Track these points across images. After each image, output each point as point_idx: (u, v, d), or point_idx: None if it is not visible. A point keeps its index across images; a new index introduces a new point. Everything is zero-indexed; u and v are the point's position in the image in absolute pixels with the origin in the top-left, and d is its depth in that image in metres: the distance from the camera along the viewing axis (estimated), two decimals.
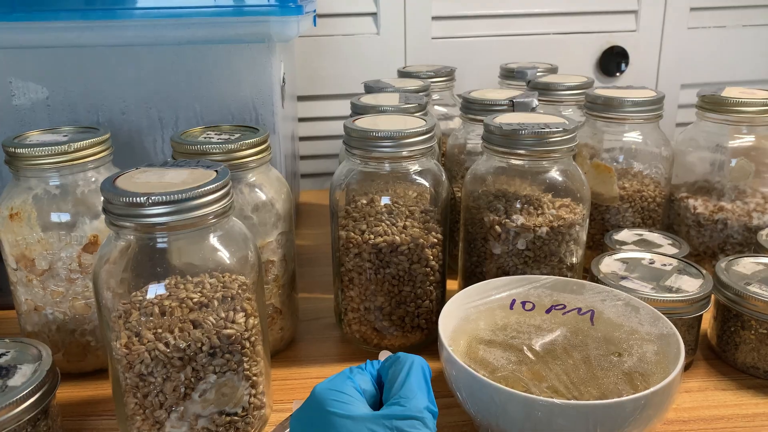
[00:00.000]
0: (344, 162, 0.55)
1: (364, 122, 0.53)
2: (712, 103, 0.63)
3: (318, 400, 0.34)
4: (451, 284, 0.60)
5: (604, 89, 0.66)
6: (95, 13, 0.52)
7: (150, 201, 0.36)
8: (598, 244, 0.66)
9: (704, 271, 0.53)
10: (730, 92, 0.64)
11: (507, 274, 0.53)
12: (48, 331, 0.50)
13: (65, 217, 0.48)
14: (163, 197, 0.36)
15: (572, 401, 0.36)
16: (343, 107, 0.95)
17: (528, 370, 0.41)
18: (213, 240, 0.41)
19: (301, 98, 0.95)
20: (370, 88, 0.71)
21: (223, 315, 0.40)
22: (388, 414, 0.33)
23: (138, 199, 0.36)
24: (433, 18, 0.95)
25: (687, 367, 0.53)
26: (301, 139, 0.97)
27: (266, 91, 0.57)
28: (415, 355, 0.37)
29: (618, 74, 1.00)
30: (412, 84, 0.72)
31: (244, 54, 0.56)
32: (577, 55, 0.99)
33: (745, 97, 0.61)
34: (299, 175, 0.95)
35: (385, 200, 0.53)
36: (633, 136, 0.65)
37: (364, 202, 0.54)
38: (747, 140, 0.63)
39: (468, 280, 0.57)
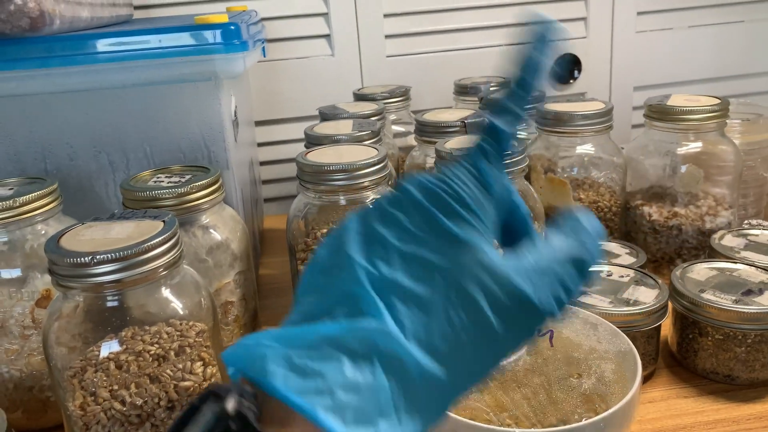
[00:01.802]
0: (300, 196, 0.55)
1: (316, 155, 0.53)
2: (658, 113, 0.64)
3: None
4: None
5: (554, 104, 0.67)
6: (33, 62, 0.51)
7: (95, 260, 0.36)
8: None
9: (660, 281, 0.54)
10: (675, 100, 0.65)
11: None
12: (5, 389, 0.49)
13: (15, 273, 0.47)
14: (109, 255, 0.36)
15: (530, 430, 0.37)
16: (302, 129, 0.95)
17: (491, 398, 0.42)
18: (165, 292, 0.40)
19: (259, 123, 0.95)
20: (325, 115, 0.71)
21: (180, 366, 0.40)
22: None
23: (83, 259, 0.36)
24: (387, 36, 0.95)
25: (649, 376, 0.53)
26: (262, 163, 0.96)
27: (216, 128, 0.57)
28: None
29: (572, 81, 1.01)
30: (367, 108, 0.72)
31: (191, 92, 0.56)
32: None
33: (690, 105, 0.63)
34: (262, 201, 0.94)
35: None
36: (586, 148, 0.66)
37: (325, 231, 0.54)
38: (695, 147, 0.64)
39: None
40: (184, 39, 0.53)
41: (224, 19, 0.54)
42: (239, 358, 0.23)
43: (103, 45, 0.52)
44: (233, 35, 0.53)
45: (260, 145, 0.95)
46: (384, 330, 0.23)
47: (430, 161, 0.67)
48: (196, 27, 0.53)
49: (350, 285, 0.24)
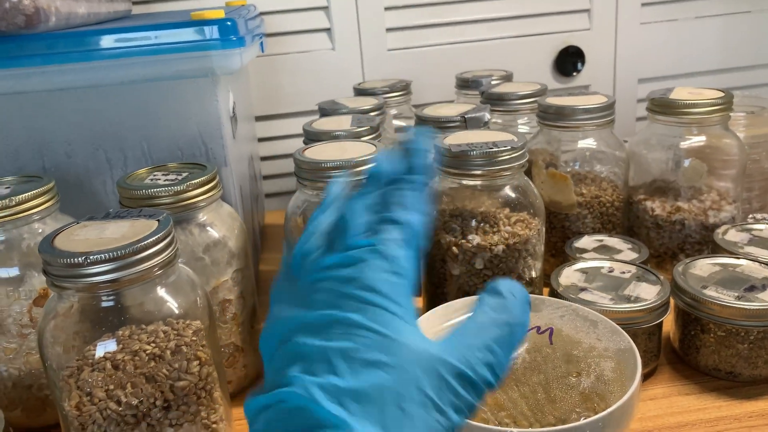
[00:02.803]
0: (297, 193, 0.55)
1: (314, 152, 0.53)
2: (661, 106, 0.63)
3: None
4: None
5: (555, 98, 0.67)
6: (29, 60, 0.51)
7: (89, 260, 0.36)
8: (560, 251, 0.66)
9: (662, 277, 0.53)
10: (678, 93, 0.64)
11: (468, 294, 0.53)
12: (3, 388, 0.49)
13: (13, 272, 0.47)
14: (102, 255, 0.36)
15: (528, 430, 0.36)
16: (303, 124, 0.95)
17: (488, 396, 0.41)
18: (161, 291, 0.40)
19: (259, 118, 0.94)
20: (324, 110, 0.71)
21: (176, 366, 0.40)
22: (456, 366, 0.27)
23: (77, 259, 0.36)
24: (388, 30, 0.94)
25: (651, 373, 0.53)
26: (263, 159, 0.96)
27: (214, 125, 0.56)
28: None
29: (575, 74, 1.00)
30: (367, 103, 0.71)
31: (188, 89, 0.55)
32: (533, 57, 0.99)
33: (693, 98, 0.62)
34: (263, 196, 0.94)
35: None
36: (588, 143, 0.66)
37: None
38: (698, 140, 0.64)
39: (431, 301, 0.57)
40: (180, 35, 0.52)
41: (221, 14, 0.54)
42: None
43: (98, 42, 0.52)
44: (230, 31, 0.53)
45: (261, 140, 0.95)
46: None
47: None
48: (192, 23, 0.52)
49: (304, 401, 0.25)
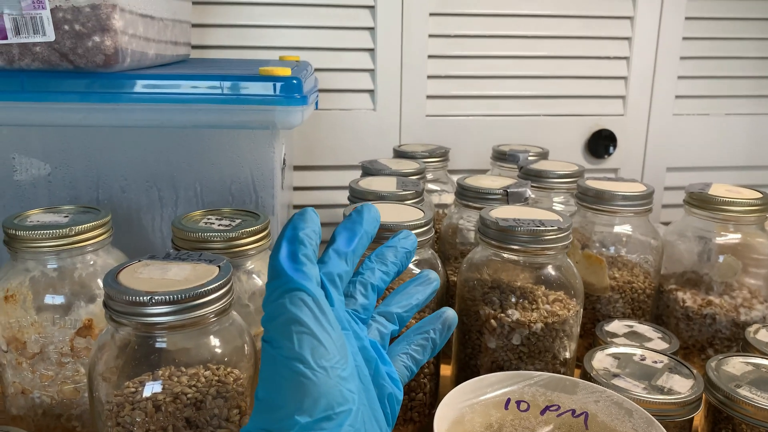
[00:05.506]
0: None
1: None
2: (699, 201, 0.65)
3: None
4: (444, 369, 0.60)
5: (594, 181, 0.68)
6: (103, 96, 0.53)
7: (153, 300, 0.36)
8: (589, 333, 0.66)
9: (695, 371, 0.53)
10: (716, 190, 0.66)
11: (501, 368, 0.53)
12: (34, 415, 0.49)
13: (60, 300, 0.48)
14: (166, 297, 0.37)
15: None
16: (338, 177, 0.96)
17: None
18: (212, 336, 0.41)
19: (297, 168, 0.97)
20: (367, 170, 0.72)
21: (216, 413, 0.40)
22: None
23: (141, 298, 0.36)
24: (428, 97, 0.97)
25: None
26: (296, 207, 0.98)
27: (267, 175, 0.58)
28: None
29: (606, 156, 1.03)
30: (409, 166, 0.73)
31: (247, 139, 0.57)
32: (566, 136, 1.02)
33: (731, 196, 0.63)
34: None
35: None
36: (623, 228, 0.67)
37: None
38: (733, 237, 0.65)
39: (462, 371, 0.57)
40: (249, 88, 0.55)
41: (287, 72, 0.56)
42: None
43: (170, 86, 0.54)
44: (295, 89, 0.55)
45: (296, 189, 0.97)
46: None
47: (465, 223, 0.68)
48: (260, 78, 0.55)
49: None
